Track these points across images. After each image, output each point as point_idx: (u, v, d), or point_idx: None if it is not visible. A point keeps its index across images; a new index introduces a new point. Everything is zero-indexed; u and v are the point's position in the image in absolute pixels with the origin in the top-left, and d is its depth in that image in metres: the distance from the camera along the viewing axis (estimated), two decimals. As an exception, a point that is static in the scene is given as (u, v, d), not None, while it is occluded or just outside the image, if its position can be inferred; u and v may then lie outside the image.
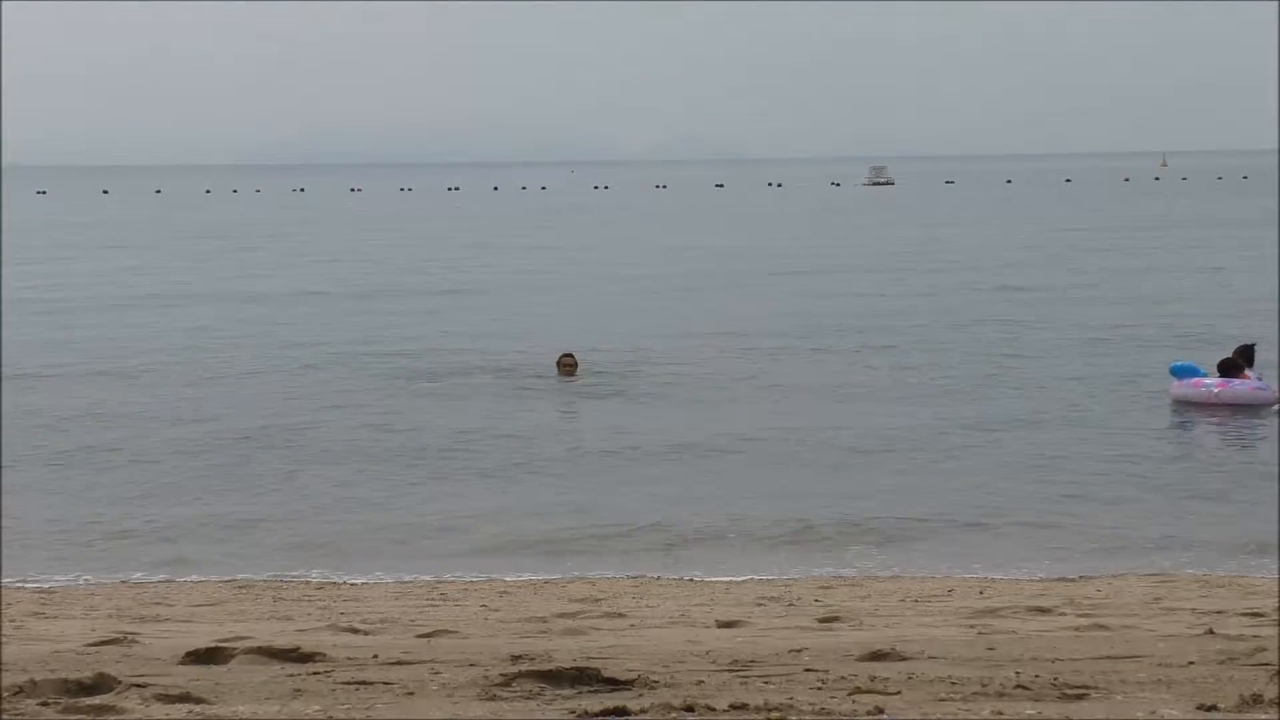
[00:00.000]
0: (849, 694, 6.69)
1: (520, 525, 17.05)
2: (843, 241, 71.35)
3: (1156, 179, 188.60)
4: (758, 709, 6.37)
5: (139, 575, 15.05)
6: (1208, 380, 23.74)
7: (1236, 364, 24.08)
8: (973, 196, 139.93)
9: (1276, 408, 23.10)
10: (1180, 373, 24.15)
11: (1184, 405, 23.69)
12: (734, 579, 14.37)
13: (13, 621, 10.99)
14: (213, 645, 8.42)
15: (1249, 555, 15.27)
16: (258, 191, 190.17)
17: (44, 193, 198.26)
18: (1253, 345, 25.06)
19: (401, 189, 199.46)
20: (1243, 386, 23.58)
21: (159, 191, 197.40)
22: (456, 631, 10.16)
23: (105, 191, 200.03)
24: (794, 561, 15.31)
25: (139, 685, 7.02)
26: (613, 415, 24.09)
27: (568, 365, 27.91)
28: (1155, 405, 23.98)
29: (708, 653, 8.32)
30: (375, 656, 8.19)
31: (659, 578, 14.56)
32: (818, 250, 64.53)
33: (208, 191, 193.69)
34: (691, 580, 14.39)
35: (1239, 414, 23.08)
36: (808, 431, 22.31)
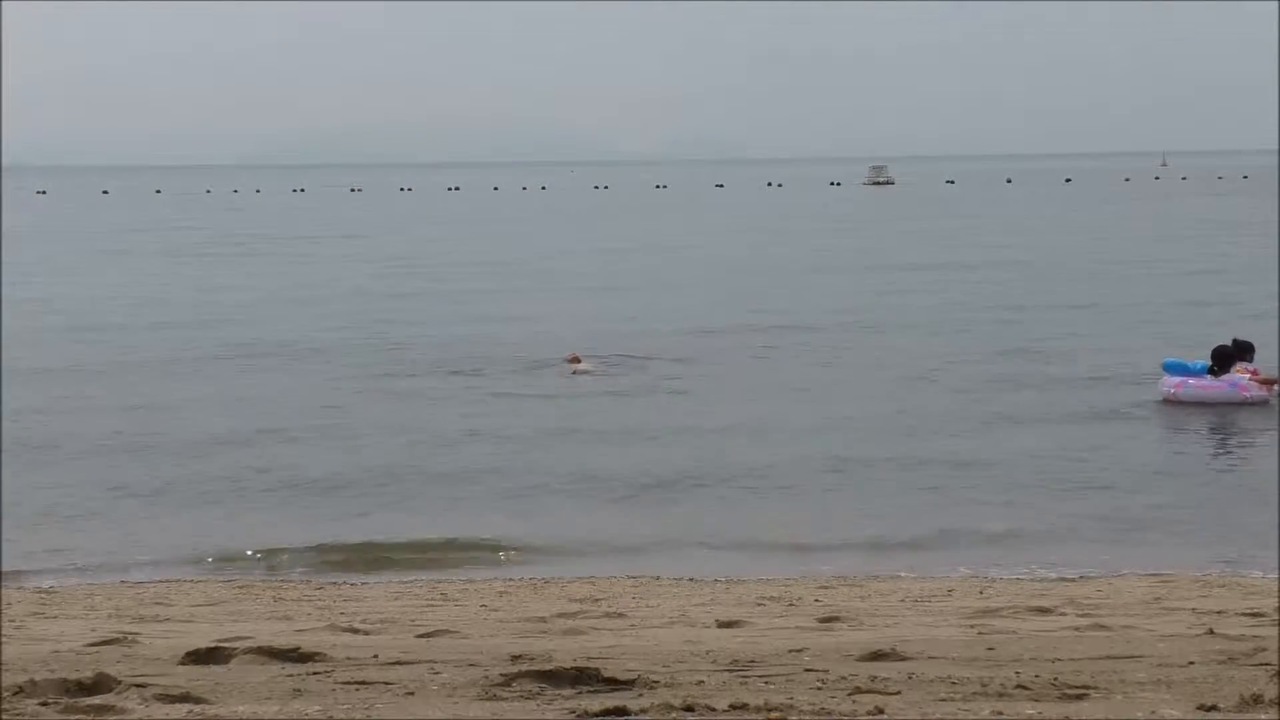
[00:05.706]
0: (849, 694, 6.68)
1: (520, 524, 17.04)
2: (853, 241, 71.41)
3: (1156, 179, 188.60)
4: (758, 709, 6.36)
5: (139, 575, 15.05)
6: (1205, 378, 23.66)
7: (1231, 354, 23.97)
8: (975, 195, 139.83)
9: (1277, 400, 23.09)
10: (1174, 369, 24.05)
11: (1182, 403, 23.61)
12: (734, 579, 14.37)
13: (13, 621, 10.98)
14: (213, 645, 8.40)
15: (1248, 554, 15.27)
16: (258, 192, 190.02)
17: (44, 192, 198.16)
18: (1249, 343, 24.91)
19: (401, 189, 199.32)
20: (1241, 381, 23.48)
21: (159, 191, 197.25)
22: (456, 631, 10.14)
23: (105, 192, 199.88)
24: (794, 562, 15.31)
25: (139, 685, 7.01)
26: (617, 411, 24.11)
27: (575, 360, 28.07)
28: (1155, 405, 23.98)
29: (708, 653, 8.31)
30: (375, 656, 8.17)
31: (659, 578, 14.53)
32: (820, 251, 64.56)
33: (208, 191, 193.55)
34: (691, 580, 14.38)
35: (1239, 410, 23.07)
36: (810, 432, 22.31)
